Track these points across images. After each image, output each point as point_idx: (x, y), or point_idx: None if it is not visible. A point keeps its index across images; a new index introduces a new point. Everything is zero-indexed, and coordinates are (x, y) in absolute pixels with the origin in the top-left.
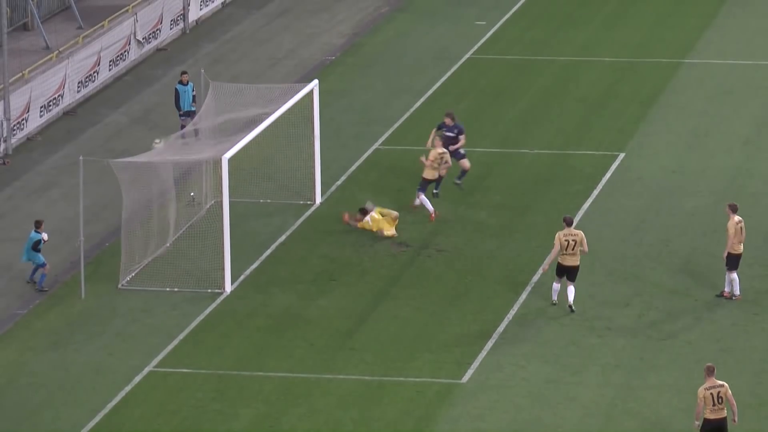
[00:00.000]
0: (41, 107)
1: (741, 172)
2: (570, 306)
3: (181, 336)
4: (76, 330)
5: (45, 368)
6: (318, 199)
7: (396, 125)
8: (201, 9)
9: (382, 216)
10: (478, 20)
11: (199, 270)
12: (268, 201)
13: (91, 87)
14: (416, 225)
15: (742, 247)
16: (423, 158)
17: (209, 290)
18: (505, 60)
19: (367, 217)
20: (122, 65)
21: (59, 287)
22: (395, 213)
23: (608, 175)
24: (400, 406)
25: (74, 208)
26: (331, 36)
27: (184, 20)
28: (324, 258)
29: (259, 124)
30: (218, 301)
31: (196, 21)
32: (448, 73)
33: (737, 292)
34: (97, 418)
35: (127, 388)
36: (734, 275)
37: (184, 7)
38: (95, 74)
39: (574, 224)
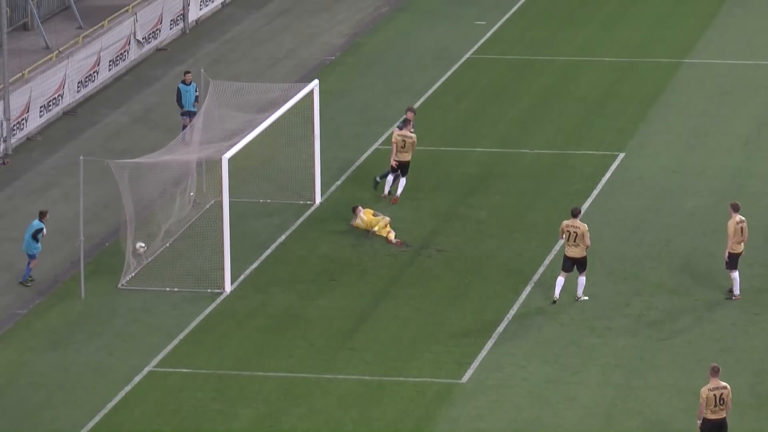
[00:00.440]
0: (41, 107)
1: (741, 172)
2: (577, 297)
3: (181, 336)
4: (76, 330)
5: (45, 368)
6: (318, 199)
7: (396, 125)
8: (201, 9)
9: (373, 219)
10: (478, 20)
11: (198, 270)
12: (268, 201)
13: (91, 87)
14: (416, 225)
15: (742, 246)
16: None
17: (209, 290)
18: (505, 60)
19: (358, 219)
20: (122, 65)
21: (59, 287)
22: (387, 218)
23: (608, 175)
24: (400, 406)
25: (74, 208)
26: (331, 36)
27: (183, 20)
28: (324, 258)
29: (259, 124)
30: (218, 301)
31: (196, 21)
32: (448, 73)
33: (737, 291)
34: (97, 418)
35: (127, 388)
36: (734, 274)
37: (183, 7)
38: (95, 74)
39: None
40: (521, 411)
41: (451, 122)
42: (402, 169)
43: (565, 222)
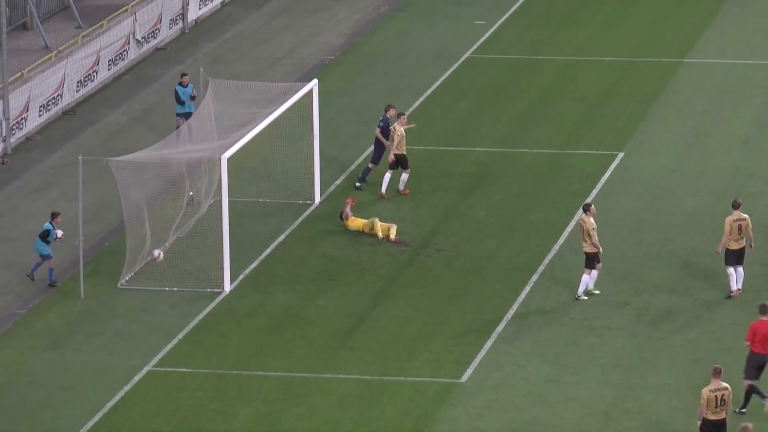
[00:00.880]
0: (40, 107)
1: (740, 172)
2: (589, 292)
3: (181, 335)
4: (75, 329)
5: (44, 368)
6: (317, 199)
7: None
8: (200, 8)
9: (381, 228)
10: (477, 20)
11: (198, 269)
12: (268, 200)
13: (91, 86)
14: (415, 224)
15: (739, 244)
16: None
17: (208, 290)
18: (505, 59)
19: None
20: (121, 65)
21: (58, 287)
22: (394, 226)
23: (608, 174)
24: (399, 406)
25: (73, 208)
26: (330, 35)
27: (183, 20)
28: (323, 257)
29: (259, 123)
30: (217, 300)
31: (195, 20)
32: (448, 73)
33: (733, 287)
34: (97, 418)
35: (127, 388)
36: (729, 270)
37: (183, 7)
38: (94, 74)
39: (575, 221)
40: (521, 410)
41: (451, 122)
42: (403, 163)
43: (581, 216)
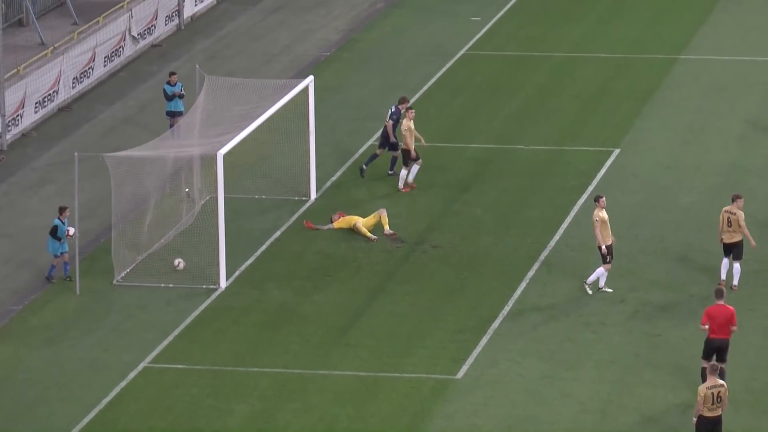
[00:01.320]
0: (36, 103)
1: (736, 168)
2: (601, 289)
3: (176, 332)
4: (71, 326)
5: (40, 364)
6: (313, 195)
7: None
8: (196, 5)
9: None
10: (473, 16)
11: (194, 266)
12: (263, 197)
13: (86, 83)
14: (411, 221)
15: (731, 237)
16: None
17: (204, 286)
18: (501, 56)
19: (332, 224)
20: (117, 61)
21: (54, 283)
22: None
23: (603, 171)
24: (395, 402)
25: (69, 204)
26: (326, 32)
27: (179, 16)
28: (319, 254)
29: (254, 120)
30: (213, 297)
31: (191, 17)
32: (444, 69)
33: (723, 277)
34: (92, 414)
35: (122, 384)
36: (724, 261)
37: (179, 3)
38: (90, 70)
39: (571, 217)
40: (516, 407)
41: (447, 118)
42: (405, 158)
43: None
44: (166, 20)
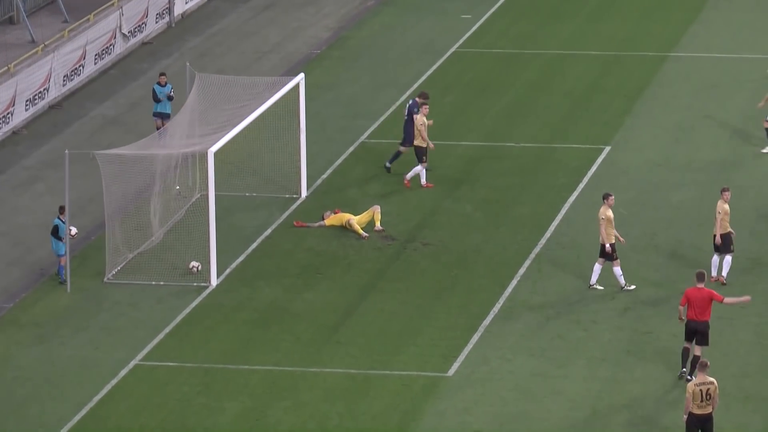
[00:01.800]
0: (27, 101)
1: (726, 166)
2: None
3: (167, 330)
4: (61, 324)
5: (31, 362)
6: (304, 193)
7: (382, 119)
8: (186, 3)
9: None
10: (463, 14)
11: (185, 264)
12: (254, 194)
13: (77, 81)
14: (402, 218)
15: (714, 230)
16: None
17: (195, 284)
18: (491, 53)
19: (323, 221)
20: (108, 59)
21: (45, 281)
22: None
23: (594, 168)
24: (386, 400)
25: (60, 202)
26: (317, 29)
27: (169, 14)
28: (310, 252)
29: (245, 117)
30: (204, 294)
31: (182, 15)
32: (434, 67)
33: (714, 274)
34: (83, 412)
35: (113, 382)
36: (714, 258)
37: (169, 1)
38: (81, 68)
39: (561, 215)
40: (507, 404)
41: (437, 116)
42: (419, 155)
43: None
44: (156, 18)
